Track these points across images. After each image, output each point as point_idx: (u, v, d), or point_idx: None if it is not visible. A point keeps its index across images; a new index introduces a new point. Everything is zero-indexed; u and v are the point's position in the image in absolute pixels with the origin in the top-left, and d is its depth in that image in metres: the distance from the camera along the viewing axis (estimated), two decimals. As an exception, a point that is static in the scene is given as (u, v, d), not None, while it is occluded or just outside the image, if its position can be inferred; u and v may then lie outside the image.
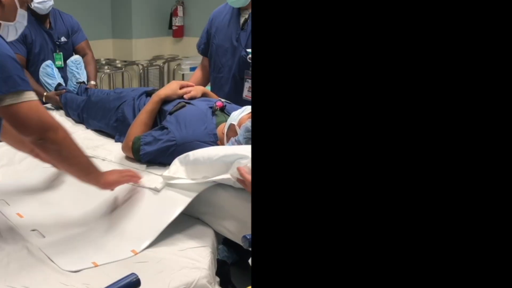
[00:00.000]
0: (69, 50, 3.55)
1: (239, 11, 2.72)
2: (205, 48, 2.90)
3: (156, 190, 1.87)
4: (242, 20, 2.71)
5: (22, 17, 1.80)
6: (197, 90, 2.41)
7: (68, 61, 3.29)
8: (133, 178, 1.91)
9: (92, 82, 3.44)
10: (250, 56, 2.59)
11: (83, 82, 3.21)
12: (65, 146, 1.69)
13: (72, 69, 3.23)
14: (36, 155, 2.09)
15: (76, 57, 3.34)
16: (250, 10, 2.65)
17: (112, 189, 1.86)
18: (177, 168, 1.86)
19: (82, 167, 1.77)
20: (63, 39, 3.52)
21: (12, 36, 1.78)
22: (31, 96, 1.61)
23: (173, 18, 6.07)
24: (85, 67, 3.38)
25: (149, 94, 2.44)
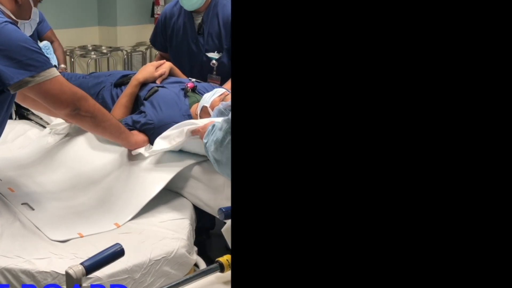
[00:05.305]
0: (34, 40, 3.48)
1: (192, 14, 2.63)
2: (164, 47, 2.80)
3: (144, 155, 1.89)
4: (197, 24, 2.62)
5: (35, 14, 1.80)
6: (165, 67, 2.35)
7: None
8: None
9: (62, 66, 3.50)
10: (213, 61, 2.56)
11: (55, 66, 3.18)
12: (97, 111, 1.73)
13: None
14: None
15: (44, 43, 3.34)
16: (202, 14, 2.58)
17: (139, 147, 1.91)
18: (159, 145, 1.86)
19: (115, 128, 1.82)
20: None
21: (28, 32, 1.74)
22: (56, 72, 1.61)
23: (155, 7, 5.99)
24: (54, 53, 3.39)
25: (125, 83, 2.34)
